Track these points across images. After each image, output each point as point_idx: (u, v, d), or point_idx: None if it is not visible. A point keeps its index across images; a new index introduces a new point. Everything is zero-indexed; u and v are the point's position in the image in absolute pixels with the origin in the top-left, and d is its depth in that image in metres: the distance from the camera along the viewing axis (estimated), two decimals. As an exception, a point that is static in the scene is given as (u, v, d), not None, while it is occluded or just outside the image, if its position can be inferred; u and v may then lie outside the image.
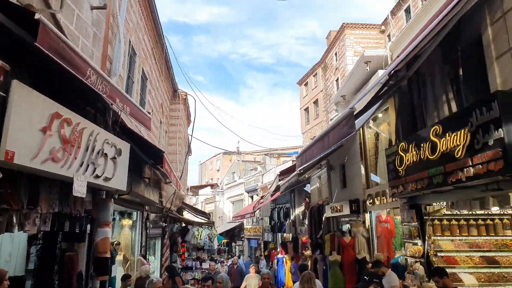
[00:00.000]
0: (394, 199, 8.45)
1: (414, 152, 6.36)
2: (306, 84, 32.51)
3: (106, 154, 5.39)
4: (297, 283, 7.60)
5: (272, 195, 17.14)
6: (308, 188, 19.77)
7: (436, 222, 7.03)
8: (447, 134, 5.24)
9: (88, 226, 5.48)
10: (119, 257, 9.14)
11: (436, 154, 5.55)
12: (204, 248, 18.98)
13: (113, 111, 6.67)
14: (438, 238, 6.91)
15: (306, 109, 32.11)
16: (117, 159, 5.75)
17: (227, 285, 5.82)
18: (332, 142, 6.98)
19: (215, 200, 38.77)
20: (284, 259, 19.12)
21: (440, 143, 5.44)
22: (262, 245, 26.19)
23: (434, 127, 5.59)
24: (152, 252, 14.21)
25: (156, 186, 12.80)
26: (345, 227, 13.11)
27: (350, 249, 10.28)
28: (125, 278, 6.96)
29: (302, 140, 32.21)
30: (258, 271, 20.55)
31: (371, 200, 9.71)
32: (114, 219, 9.76)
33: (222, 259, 24.00)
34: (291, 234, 20.72)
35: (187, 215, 21.02)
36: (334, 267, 10.32)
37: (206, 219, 18.58)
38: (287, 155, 31.82)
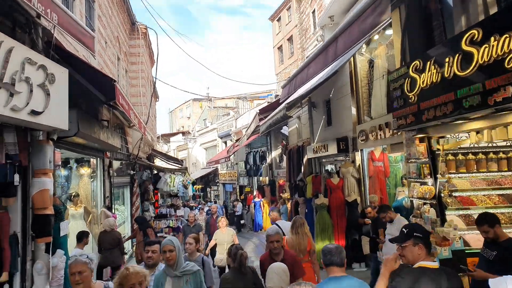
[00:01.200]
0: (394, 134, 7.38)
1: (434, 71, 5.12)
2: (279, 20, 30.30)
3: (28, 79, 3.83)
4: (284, 226, 6.48)
5: (249, 138, 15.93)
6: (285, 130, 18.70)
7: (450, 157, 6.00)
8: (492, 39, 3.98)
9: (16, 176, 4.04)
10: (79, 210, 7.83)
11: (471, 68, 4.32)
12: (178, 195, 17.88)
13: (44, 28, 4.99)
14: (452, 175, 5.92)
15: (280, 48, 30.20)
16: (49, 87, 4.21)
17: (180, 252, 3.83)
18: (343, 48, 5.55)
19: (188, 147, 37.43)
20: (261, 202, 18.45)
21: (478, 53, 4.19)
22: (237, 189, 25.53)
23: (470, 32, 4.30)
24: (121, 202, 13.00)
25: (119, 130, 11.26)
26: (329, 168, 12.21)
27: (338, 191, 9.36)
28: (81, 236, 5.70)
29: (276, 81, 30.65)
30: (235, 223, 19.78)
31: (364, 137, 8.63)
32: (70, 168, 8.31)
33: (200, 205, 23.04)
34: (267, 177, 19.95)
35: (159, 162, 19.68)
36: (321, 211, 9.43)
37: (179, 166, 17.32)
38: (261, 98, 30.45)
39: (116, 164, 10.53)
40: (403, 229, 3.05)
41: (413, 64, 5.65)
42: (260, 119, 10.81)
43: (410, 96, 5.77)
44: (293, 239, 5.39)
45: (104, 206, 8.35)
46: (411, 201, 6.45)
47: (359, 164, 9.22)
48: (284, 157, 17.12)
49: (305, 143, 13.41)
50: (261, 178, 21.08)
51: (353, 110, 9.35)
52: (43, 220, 4.36)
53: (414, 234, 2.91)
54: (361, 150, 9.15)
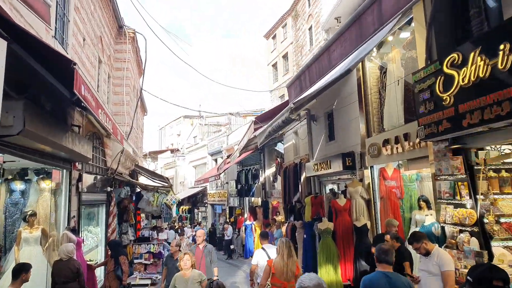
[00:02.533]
0: (415, 147, 6.26)
1: (481, 63, 4.05)
2: (274, 37, 29.65)
3: None
4: (271, 251, 5.94)
5: (241, 153, 14.71)
6: (280, 147, 17.58)
7: (491, 174, 4.89)
8: None
9: None
10: (34, 233, 6.47)
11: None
12: (161, 216, 16.43)
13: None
14: (496, 196, 4.78)
15: (274, 65, 29.45)
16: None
17: None
18: (394, 9, 4.35)
19: (176, 165, 35.93)
20: (253, 225, 17.06)
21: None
22: (227, 211, 24.10)
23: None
24: (96, 223, 11.58)
25: (96, 141, 10.00)
26: (330, 188, 11.02)
27: (345, 214, 8.14)
28: (18, 272, 4.34)
29: (270, 99, 29.75)
30: (223, 248, 18.28)
31: (375, 152, 7.50)
32: (29, 181, 6.99)
33: (186, 227, 21.34)
34: (260, 198, 18.65)
35: (144, 180, 18.30)
36: (325, 237, 8.17)
37: (164, 183, 15.94)
38: (255, 114, 29.43)
39: (89, 178, 9.21)
40: (469, 278, 1.96)
41: (449, 58, 4.58)
42: (256, 129, 9.55)
43: (444, 98, 4.68)
44: (280, 264, 5.05)
45: (68, 228, 6.99)
46: (442, 228, 5.27)
47: (369, 183, 8.05)
48: (279, 177, 15.94)
49: (303, 160, 12.26)
50: (253, 199, 19.75)
51: (361, 122, 8.26)
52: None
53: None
54: (371, 167, 8.00)
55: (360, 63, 8.29)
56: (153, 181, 17.18)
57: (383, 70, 7.86)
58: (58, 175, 7.07)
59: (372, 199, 7.96)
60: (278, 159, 16.33)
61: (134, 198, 15.44)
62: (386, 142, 7.07)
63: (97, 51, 10.01)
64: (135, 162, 16.07)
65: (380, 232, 7.45)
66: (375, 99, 8.11)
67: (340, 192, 8.99)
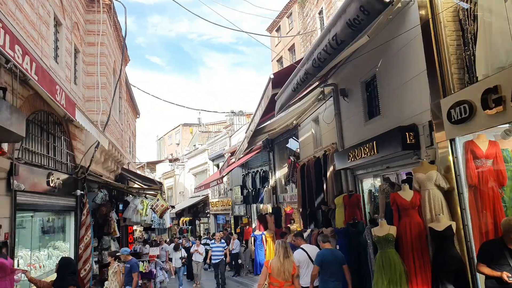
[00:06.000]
0: None
1: None
2: (278, 30, 27.20)
3: None
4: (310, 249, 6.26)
5: (249, 144, 11.83)
6: (293, 145, 14.97)
7: None
8: None
9: None
10: None
11: None
12: (153, 226, 13.65)
13: None
14: None
15: (279, 60, 26.91)
16: None
17: None
18: None
19: (175, 174, 33.24)
20: (263, 236, 14.26)
21: None
22: (232, 221, 21.32)
23: None
24: (64, 237, 8.93)
25: (51, 125, 7.38)
26: (385, 177, 7.91)
27: (414, 214, 5.40)
28: None
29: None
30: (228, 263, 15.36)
31: (464, 114, 4.81)
32: None
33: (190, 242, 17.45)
34: (270, 204, 15.89)
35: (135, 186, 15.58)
36: (384, 248, 5.41)
37: (151, 185, 13.18)
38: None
39: (39, 174, 6.55)
40: None
41: None
42: (275, 94, 6.65)
43: None
44: (277, 265, 5.20)
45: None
46: None
47: (448, 166, 5.33)
48: (292, 179, 13.27)
49: (328, 152, 9.57)
50: (261, 205, 16.98)
51: (431, 78, 5.58)
52: None
53: None
54: (452, 140, 5.27)
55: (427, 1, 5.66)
56: (141, 184, 14.47)
57: (469, 12, 5.19)
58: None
59: (456, 189, 5.23)
60: (292, 158, 13.67)
61: (122, 208, 12.79)
62: (489, 93, 4.38)
63: (51, 5, 7.44)
64: (121, 164, 13.40)
65: (488, 237, 4.77)
66: (451, 42, 5.44)
67: (398, 183, 6.26)
